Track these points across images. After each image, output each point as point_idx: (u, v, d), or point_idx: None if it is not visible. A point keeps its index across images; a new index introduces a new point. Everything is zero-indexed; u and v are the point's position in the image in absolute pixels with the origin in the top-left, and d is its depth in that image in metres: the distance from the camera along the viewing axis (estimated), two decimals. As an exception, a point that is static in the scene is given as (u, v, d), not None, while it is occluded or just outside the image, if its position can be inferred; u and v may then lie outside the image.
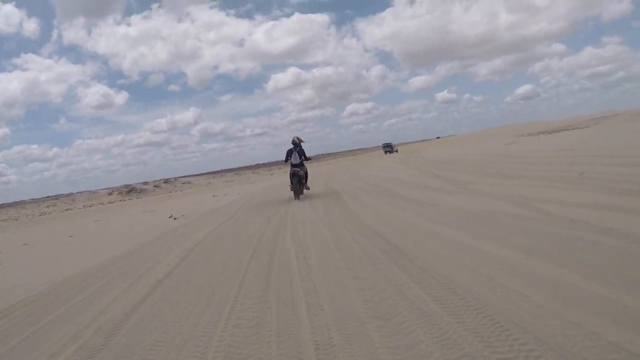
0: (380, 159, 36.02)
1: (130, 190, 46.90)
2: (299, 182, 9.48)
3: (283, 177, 28.26)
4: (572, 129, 36.30)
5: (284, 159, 10.08)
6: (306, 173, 9.83)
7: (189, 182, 57.42)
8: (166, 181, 57.58)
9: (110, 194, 49.31)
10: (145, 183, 58.13)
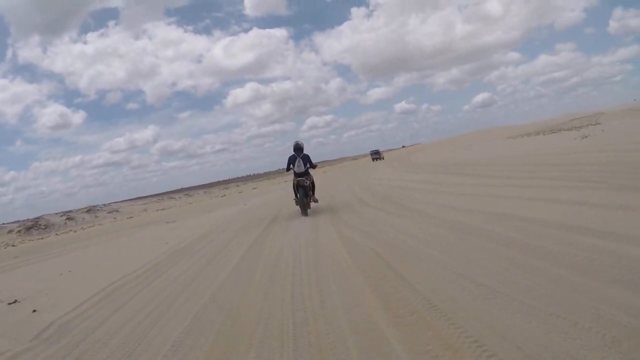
0: (376, 166, 31.16)
1: (32, 226, 35.48)
2: (305, 194, 8.17)
3: (261, 197, 21.31)
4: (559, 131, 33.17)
5: (285, 167, 8.75)
6: (313, 183, 8.61)
7: (116, 210, 46.35)
8: (89, 209, 46.17)
9: (10, 232, 37.47)
10: (67, 213, 46.50)
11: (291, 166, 8.60)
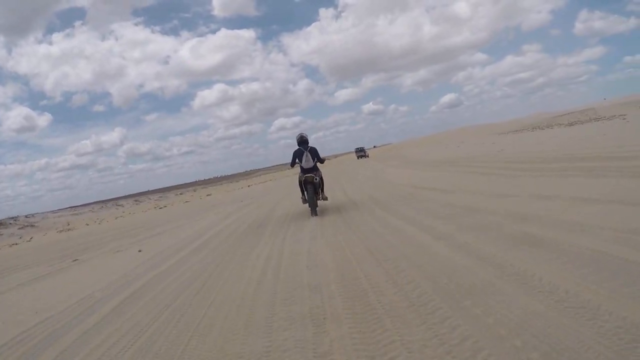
0: (373, 166, 24.33)
1: None
2: (314, 192, 7.34)
3: (204, 222, 15.34)
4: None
5: (290, 162, 7.77)
6: (321, 179, 7.56)
7: (31, 225, 36.34)
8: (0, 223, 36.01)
9: None
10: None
11: (297, 161, 7.57)
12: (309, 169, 7.52)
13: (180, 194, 71.33)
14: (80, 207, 75.54)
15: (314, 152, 7.55)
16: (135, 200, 73.81)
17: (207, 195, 34.23)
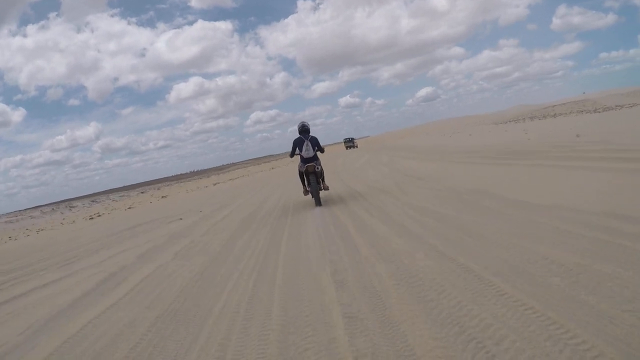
0: (378, 157, 19.83)
1: None
2: (316, 181, 7.11)
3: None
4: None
5: (289, 152, 7.47)
6: (322, 169, 7.34)
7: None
8: None
9: None
10: None
11: (297, 151, 7.31)
12: (309, 159, 7.26)
13: (142, 192, 64.24)
14: (31, 210, 67.03)
15: (314, 142, 7.35)
16: (92, 200, 65.98)
17: (163, 197, 27.70)
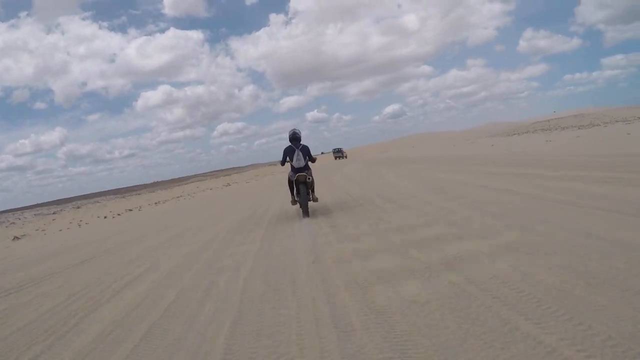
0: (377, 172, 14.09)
1: None
2: (306, 192, 6.97)
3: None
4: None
5: (280, 160, 7.28)
6: (313, 179, 7.16)
7: None
8: None
9: None
10: None
11: (287, 160, 7.14)
12: (300, 169, 7.05)
13: (78, 207, 54.17)
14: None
15: (305, 151, 7.11)
16: (36, 215, 55.02)
17: (79, 223, 19.53)
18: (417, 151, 31.60)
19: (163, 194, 41.68)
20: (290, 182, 7.17)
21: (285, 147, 7.06)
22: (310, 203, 7.05)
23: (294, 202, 7.22)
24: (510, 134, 43.41)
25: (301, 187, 6.88)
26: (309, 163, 7.07)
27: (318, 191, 7.64)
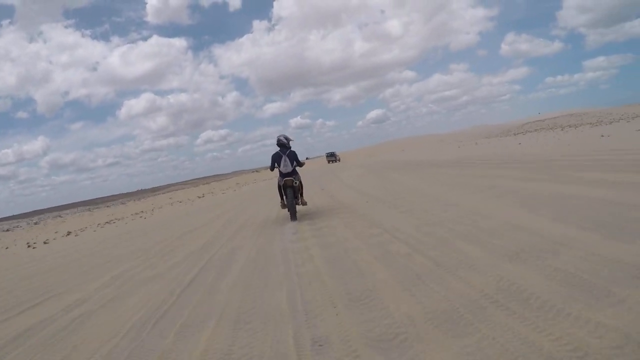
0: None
1: None
2: (293, 196, 7.19)
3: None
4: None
5: (269, 166, 7.58)
6: (301, 184, 7.48)
7: None
8: None
9: None
10: None
11: (276, 165, 7.39)
12: (287, 174, 7.25)
13: (60, 216, 49.85)
14: None
15: (292, 156, 7.35)
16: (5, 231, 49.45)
17: (28, 245, 15.20)
18: (413, 154, 28.23)
19: (131, 206, 37.17)
20: (279, 187, 7.37)
21: (272, 154, 7.30)
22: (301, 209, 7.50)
23: (283, 206, 7.37)
24: (506, 134, 40.80)
25: (289, 191, 7.10)
26: (298, 168, 7.34)
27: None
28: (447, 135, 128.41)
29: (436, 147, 38.81)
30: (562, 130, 28.73)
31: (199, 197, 25.21)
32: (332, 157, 49.86)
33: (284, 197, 7.19)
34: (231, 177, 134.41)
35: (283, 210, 7.51)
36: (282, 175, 7.13)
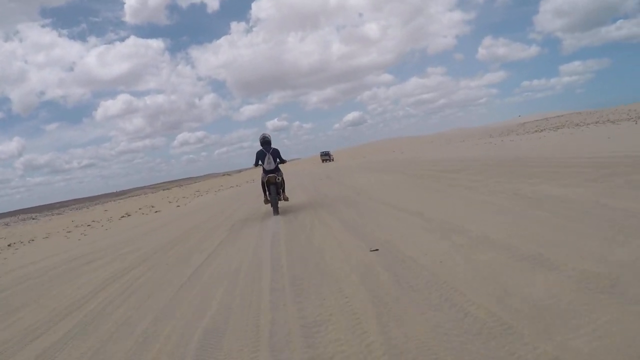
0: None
1: None
2: (276, 192, 7.65)
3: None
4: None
5: (253, 163, 7.93)
6: (283, 180, 7.98)
7: None
8: None
9: None
10: None
11: (260, 162, 7.81)
12: (270, 170, 7.63)
13: (34, 218, 47.76)
14: None
15: (275, 154, 7.71)
16: None
17: None
18: (416, 153, 24.54)
19: (87, 214, 31.64)
20: (262, 184, 7.73)
21: (257, 151, 7.73)
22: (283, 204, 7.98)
23: (266, 201, 7.72)
24: (503, 134, 38.17)
25: (272, 187, 7.54)
26: (280, 164, 7.88)
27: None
28: (429, 137, 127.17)
29: (436, 147, 35.47)
30: (570, 128, 25.93)
31: (122, 217, 17.49)
32: (326, 156, 51.64)
33: (267, 193, 7.64)
34: (202, 180, 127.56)
35: (266, 205, 7.91)
36: (266, 172, 7.61)
